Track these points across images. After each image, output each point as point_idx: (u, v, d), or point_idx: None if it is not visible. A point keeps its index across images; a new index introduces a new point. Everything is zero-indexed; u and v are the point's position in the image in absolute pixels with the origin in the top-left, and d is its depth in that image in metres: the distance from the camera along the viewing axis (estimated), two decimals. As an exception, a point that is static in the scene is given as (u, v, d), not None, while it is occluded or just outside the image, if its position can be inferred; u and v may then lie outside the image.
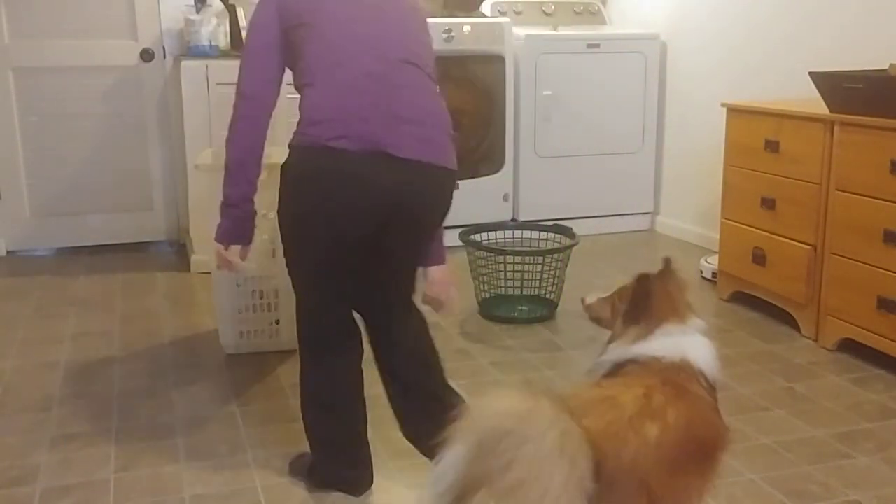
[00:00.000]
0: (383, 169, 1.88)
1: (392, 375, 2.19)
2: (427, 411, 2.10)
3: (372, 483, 2.21)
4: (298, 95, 2.01)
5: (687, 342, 1.71)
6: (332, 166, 1.87)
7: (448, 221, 2.23)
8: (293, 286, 2.13)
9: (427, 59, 2.03)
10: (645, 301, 1.76)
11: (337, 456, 2.19)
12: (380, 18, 1.98)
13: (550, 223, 3.68)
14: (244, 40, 2.08)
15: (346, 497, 2.16)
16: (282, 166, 1.98)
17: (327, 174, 1.88)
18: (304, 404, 2.18)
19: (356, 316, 2.16)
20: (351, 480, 2.19)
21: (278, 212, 2.01)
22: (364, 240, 1.98)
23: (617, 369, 1.68)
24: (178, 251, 4.50)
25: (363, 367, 2.19)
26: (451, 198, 2.04)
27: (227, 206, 2.05)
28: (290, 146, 1.97)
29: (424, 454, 2.10)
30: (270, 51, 2.00)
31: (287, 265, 2.10)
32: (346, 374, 2.14)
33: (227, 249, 2.08)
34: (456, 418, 1.28)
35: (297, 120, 1.96)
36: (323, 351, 2.12)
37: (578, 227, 3.74)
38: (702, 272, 3.99)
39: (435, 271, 2.17)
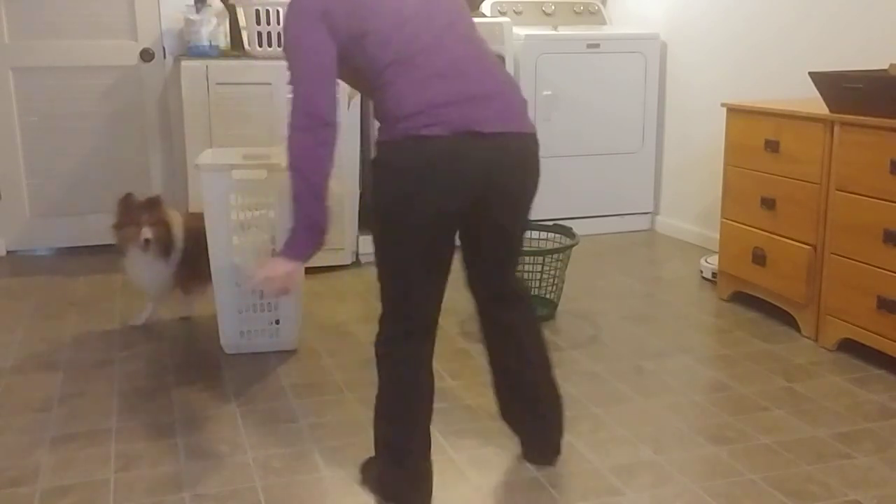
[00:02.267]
0: (474, 147, 1.96)
1: (499, 353, 2.26)
2: (522, 402, 2.28)
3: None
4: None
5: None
6: (429, 152, 1.94)
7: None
8: (381, 278, 2.09)
9: (474, 27, 2.10)
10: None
11: (411, 464, 2.12)
12: (427, 7, 2.03)
13: (550, 223, 3.68)
14: (295, 62, 2.01)
15: (346, 494, 2.16)
16: (375, 160, 2.01)
17: (426, 160, 1.95)
18: (384, 409, 2.13)
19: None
20: (416, 492, 2.13)
21: (375, 201, 2.01)
22: (462, 218, 2.04)
23: None
24: (178, 251, 4.50)
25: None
26: (537, 161, 2.09)
27: (318, 232, 2.06)
28: (380, 142, 2.00)
29: (514, 429, 2.34)
30: (333, 70, 2.01)
31: (378, 257, 2.07)
32: (425, 371, 2.12)
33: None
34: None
35: (381, 117, 2.01)
36: (406, 345, 2.10)
37: (578, 227, 3.74)
38: (702, 272, 3.99)
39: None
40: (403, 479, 2.12)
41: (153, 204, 3.18)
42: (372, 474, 2.21)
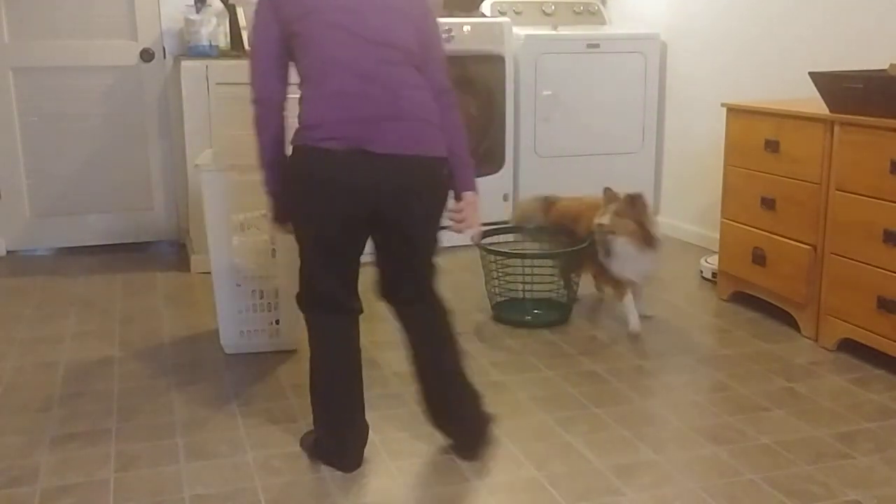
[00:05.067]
0: (364, 165, 2.09)
1: (414, 357, 2.35)
2: (437, 394, 2.35)
3: (360, 464, 2.31)
4: (298, 95, 2.19)
5: None
6: (321, 163, 2.11)
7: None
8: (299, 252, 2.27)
9: (413, 49, 2.17)
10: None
11: (332, 427, 2.32)
12: (364, 18, 2.12)
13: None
14: (250, 45, 2.21)
15: (346, 494, 2.16)
16: (286, 161, 2.20)
17: (317, 170, 2.12)
18: (310, 372, 2.32)
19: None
20: (340, 454, 2.31)
21: (284, 193, 2.22)
22: (360, 222, 2.19)
23: None
24: (178, 251, 4.50)
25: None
26: (438, 183, 2.22)
27: (269, 195, 2.28)
28: (290, 143, 2.17)
29: (440, 430, 2.39)
30: (274, 52, 2.16)
31: (295, 236, 2.26)
32: (338, 342, 2.31)
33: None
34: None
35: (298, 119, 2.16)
36: (315, 315, 2.30)
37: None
38: (702, 272, 3.99)
39: (465, 194, 2.30)
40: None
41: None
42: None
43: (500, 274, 3.42)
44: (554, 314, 3.43)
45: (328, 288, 2.25)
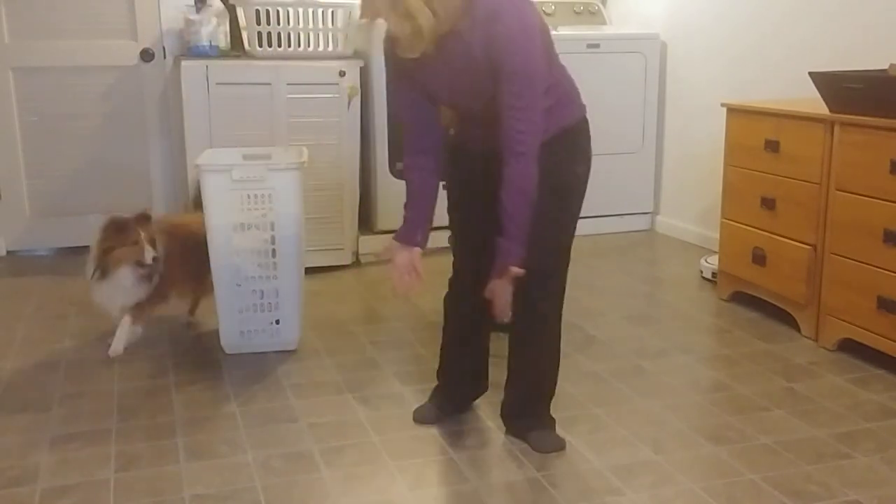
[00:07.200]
0: None
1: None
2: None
3: None
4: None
5: None
6: None
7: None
8: (560, 251, 2.36)
9: None
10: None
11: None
12: None
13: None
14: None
15: (346, 494, 2.16)
16: (575, 135, 2.29)
17: None
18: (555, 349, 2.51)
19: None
20: None
21: (576, 173, 2.31)
22: None
23: None
24: (178, 251, 4.50)
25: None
26: None
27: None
28: (576, 119, 2.29)
29: None
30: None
31: (565, 229, 2.35)
32: None
33: None
34: None
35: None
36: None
37: (578, 227, 3.70)
38: (702, 272, 3.99)
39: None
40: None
41: (146, 220, 3.01)
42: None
43: None
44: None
45: None
